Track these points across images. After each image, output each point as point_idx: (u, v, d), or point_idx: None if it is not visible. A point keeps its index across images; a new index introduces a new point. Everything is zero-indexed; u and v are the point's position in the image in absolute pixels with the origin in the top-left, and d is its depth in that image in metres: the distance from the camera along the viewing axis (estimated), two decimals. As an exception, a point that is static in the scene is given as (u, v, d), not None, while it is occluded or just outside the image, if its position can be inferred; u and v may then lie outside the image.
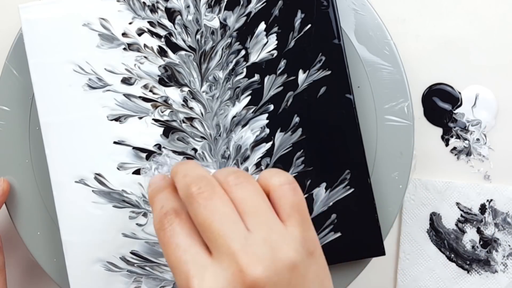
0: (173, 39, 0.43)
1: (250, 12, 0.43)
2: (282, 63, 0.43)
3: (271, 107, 0.43)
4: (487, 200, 0.48)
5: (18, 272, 0.50)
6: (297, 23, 0.43)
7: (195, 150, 0.43)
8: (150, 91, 0.43)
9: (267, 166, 0.43)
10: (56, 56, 0.43)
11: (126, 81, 0.43)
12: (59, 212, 0.43)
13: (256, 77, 0.43)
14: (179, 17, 0.43)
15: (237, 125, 0.43)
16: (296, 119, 0.43)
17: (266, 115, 0.43)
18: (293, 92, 0.43)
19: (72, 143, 0.43)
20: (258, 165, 0.43)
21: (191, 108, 0.43)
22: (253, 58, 0.43)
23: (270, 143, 0.43)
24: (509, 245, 0.48)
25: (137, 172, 0.43)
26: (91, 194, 0.43)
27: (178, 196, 0.32)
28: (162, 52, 0.43)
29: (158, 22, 0.43)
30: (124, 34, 0.43)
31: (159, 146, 0.43)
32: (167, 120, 0.43)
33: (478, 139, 0.49)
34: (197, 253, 0.29)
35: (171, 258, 0.30)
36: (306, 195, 0.43)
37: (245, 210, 0.30)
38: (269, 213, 0.30)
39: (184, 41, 0.43)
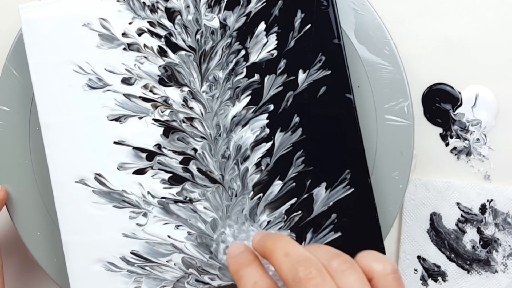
0: (173, 39, 0.43)
1: (250, 12, 0.43)
2: (282, 63, 0.43)
3: (271, 107, 0.43)
4: (487, 200, 0.48)
5: (18, 272, 0.50)
6: (297, 23, 0.43)
7: (195, 150, 0.43)
8: (150, 91, 0.43)
9: (267, 166, 0.43)
10: (56, 56, 0.43)
11: (126, 81, 0.43)
12: (59, 212, 0.43)
13: (256, 77, 0.43)
14: (179, 17, 0.43)
15: (237, 125, 0.43)
16: (296, 119, 0.43)
17: (266, 115, 0.43)
18: (293, 92, 0.43)
19: (72, 143, 0.43)
20: (258, 165, 0.43)
21: (191, 108, 0.43)
22: (253, 58, 0.43)
23: (270, 143, 0.43)
24: (510, 245, 0.48)
25: (137, 172, 0.43)
26: (91, 194, 0.43)
27: (267, 274, 0.32)
28: (162, 52, 0.43)
29: (158, 22, 0.43)
30: (124, 34, 0.43)
31: (159, 146, 0.43)
32: (167, 120, 0.43)
33: (478, 139, 0.49)
34: None
35: None
36: (306, 195, 0.43)
37: None
38: None
39: (184, 41, 0.43)
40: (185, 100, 0.43)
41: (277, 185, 0.43)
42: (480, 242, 0.48)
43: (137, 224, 0.43)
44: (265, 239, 0.33)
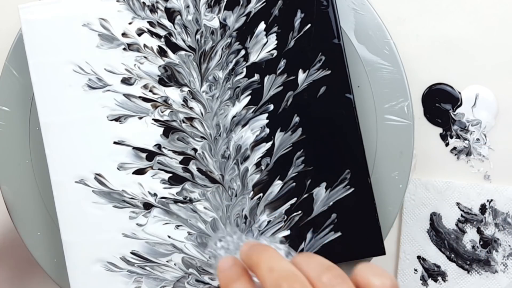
0: (173, 39, 0.43)
1: (249, 12, 0.43)
2: (282, 63, 0.43)
3: (271, 107, 0.43)
4: (487, 200, 0.48)
5: (18, 272, 0.50)
6: (297, 23, 0.43)
7: (195, 150, 0.43)
8: (150, 91, 0.43)
9: (267, 166, 0.43)
10: (56, 56, 0.43)
11: (126, 81, 0.43)
12: (59, 212, 0.43)
13: (256, 77, 0.43)
14: (178, 17, 0.43)
15: (237, 125, 0.43)
16: (296, 119, 0.43)
17: (266, 114, 0.43)
18: (293, 92, 0.43)
19: (72, 143, 0.43)
20: (258, 165, 0.43)
21: (191, 108, 0.43)
22: (253, 58, 0.43)
23: (270, 142, 0.43)
24: (509, 245, 0.48)
25: (137, 172, 0.43)
26: (91, 194, 0.43)
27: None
28: (162, 52, 0.43)
29: (157, 22, 0.43)
30: (124, 34, 0.43)
31: (159, 146, 0.43)
32: (167, 120, 0.43)
33: (478, 139, 0.49)
34: None
35: None
36: (306, 195, 0.43)
37: None
38: None
39: (184, 41, 0.43)
40: (185, 100, 0.43)
41: (277, 185, 0.43)
42: (480, 242, 0.48)
43: (137, 224, 0.43)
44: (251, 252, 0.32)
